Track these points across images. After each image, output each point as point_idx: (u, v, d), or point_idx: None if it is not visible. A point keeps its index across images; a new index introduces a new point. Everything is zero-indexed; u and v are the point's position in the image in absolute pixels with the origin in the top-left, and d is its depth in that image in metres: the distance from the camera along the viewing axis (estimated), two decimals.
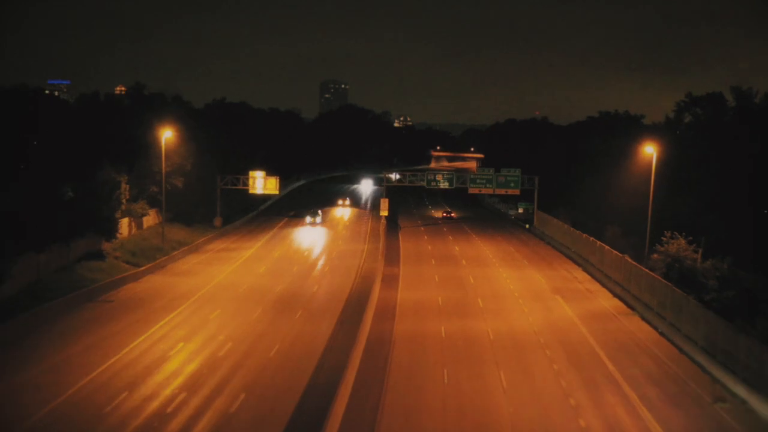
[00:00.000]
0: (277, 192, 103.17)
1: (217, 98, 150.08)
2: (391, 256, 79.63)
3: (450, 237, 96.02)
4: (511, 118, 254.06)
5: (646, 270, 56.19)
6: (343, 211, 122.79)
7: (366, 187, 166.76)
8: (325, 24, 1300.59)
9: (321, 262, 77.01)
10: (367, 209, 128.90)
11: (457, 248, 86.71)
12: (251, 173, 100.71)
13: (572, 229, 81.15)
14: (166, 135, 77.42)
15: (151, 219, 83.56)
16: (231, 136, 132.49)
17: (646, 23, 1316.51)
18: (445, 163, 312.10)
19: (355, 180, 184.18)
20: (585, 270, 71.85)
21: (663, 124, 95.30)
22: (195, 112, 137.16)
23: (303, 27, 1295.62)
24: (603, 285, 64.95)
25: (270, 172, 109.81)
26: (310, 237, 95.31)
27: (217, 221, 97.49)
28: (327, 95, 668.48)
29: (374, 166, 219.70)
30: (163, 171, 77.78)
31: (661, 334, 49.39)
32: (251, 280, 66.89)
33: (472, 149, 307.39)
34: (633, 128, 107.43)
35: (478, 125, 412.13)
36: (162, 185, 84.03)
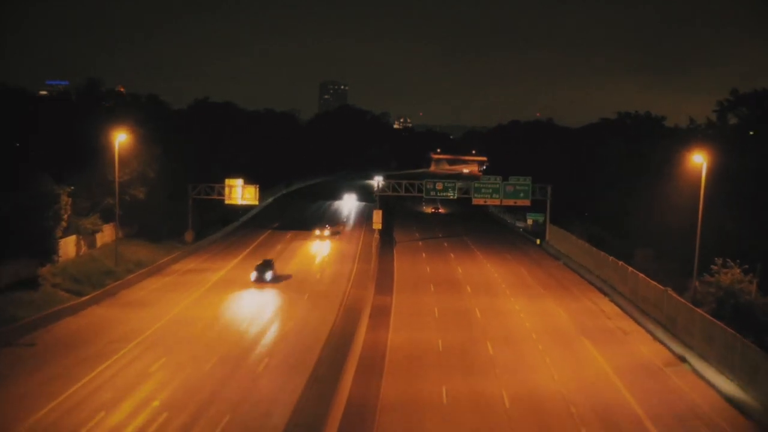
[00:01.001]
0: (256, 202, 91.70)
1: (199, 98, 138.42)
2: (384, 281, 68.35)
3: (452, 255, 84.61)
4: (515, 120, 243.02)
5: (700, 311, 44.92)
6: (320, 246, 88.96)
7: (349, 203, 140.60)
8: (325, 25, 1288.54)
9: (301, 287, 65.82)
10: (354, 238, 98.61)
11: (460, 270, 75.32)
12: (227, 181, 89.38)
13: (595, 249, 69.65)
14: (120, 138, 66.24)
15: (106, 236, 72.19)
16: (214, 140, 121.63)
17: (647, 24, 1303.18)
18: (446, 166, 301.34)
19: (344, 190, 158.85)
20: (613, 300, 60.46)
21: (697, 126, 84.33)
22: (175, 114, 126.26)
23: (303, 27, 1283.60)
24: (638, 323, 53.55)
25: (250, 179, 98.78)
26: (292, 256, 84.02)
27: (189, 236, 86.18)
28: (326, 96, 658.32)
29: (369, 170, 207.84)
30: (116, 179, 66.64)
31: (727, 399, 38.06)
32: (214, 314, 55.73)
33: (473, 152, 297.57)
34: (656, 131, 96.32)
35: (479, 127, 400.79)
36: (125, 195, 73.21)
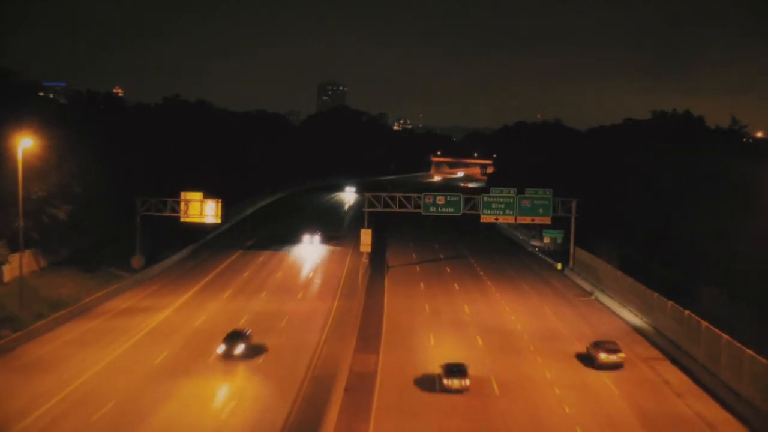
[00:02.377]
0: (218, 220, 75.79)
1: (169, 96, 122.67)
2: (370, 327, 52.98)
3: (456, 285, 69.04)
4: (521, 121, 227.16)
5: None
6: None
7: (312, 250, 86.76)
8: (325, 25, 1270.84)
9: (262, 341, 50.43)
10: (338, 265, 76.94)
11: (466, 308, 59.79)
12: (184, 195, 73.80)
13: (642, 287, 53.30)
14: (25, 143, 50.95)
15: (20, 267, 56.52)
16: (184, 145, 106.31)
17: (646, 25, 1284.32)
18: (447, 170, 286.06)
19: (305, 220, 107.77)
20: (677, 364, 44.69)
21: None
22: (136, 115, 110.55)
23: (303, 28, 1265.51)
24: (725, 406, 37.89)
25: (225, 188, 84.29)
26: (258, 287, 68.75)
27: (136, 261, 70.77)
28: (325, 97, 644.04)
29: (358, 177, 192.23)
30: (20, 194, 51.20)
31: None
32: (129, 387, 40.44)
33: (475, 154, 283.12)
34: (700, 134, 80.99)
35: (481, 128, 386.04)
36: (42, 215, 58.21)
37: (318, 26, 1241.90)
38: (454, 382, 39.10)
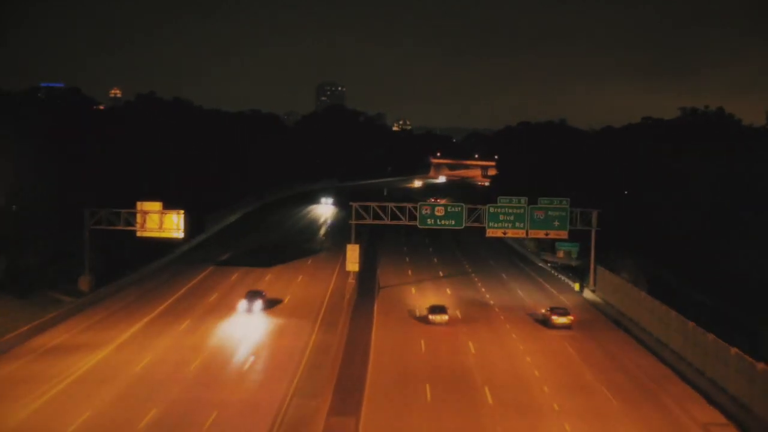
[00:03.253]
0: (181, 234, 65.27)
1: (144, 92, 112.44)
2: (351, 374, 42.79)
3: (458, 313, 58.68)
4: (524, 121, 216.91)
5: None
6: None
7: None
8: (325, 25, 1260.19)
9: (210, 397, 40.21)
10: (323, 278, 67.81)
11: (471, 346, 49.53)
12: (141, 206, 63.54)
13: (699, 329, 41.81)
14: None
15: None
16: (163, 148, 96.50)
17: (646, 25, 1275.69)
18: (446, 171, 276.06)
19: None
20: (742, 429, 34.63)
21: None
22: (104, 115, 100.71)
23: (302, 28, 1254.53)
24: None
25: (193, 198, 74.55)
26: (224, 314, 58.57)
27: (83, 282, 60.82)
28: (323, 98, 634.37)
29: (353, 180, 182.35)
30: None
31: None
32: None
33: (476, 155, 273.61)
34: (733, 133, 70.94)
35: (481, 129, 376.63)
36: None
37: (318, 26, 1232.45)
38: None
